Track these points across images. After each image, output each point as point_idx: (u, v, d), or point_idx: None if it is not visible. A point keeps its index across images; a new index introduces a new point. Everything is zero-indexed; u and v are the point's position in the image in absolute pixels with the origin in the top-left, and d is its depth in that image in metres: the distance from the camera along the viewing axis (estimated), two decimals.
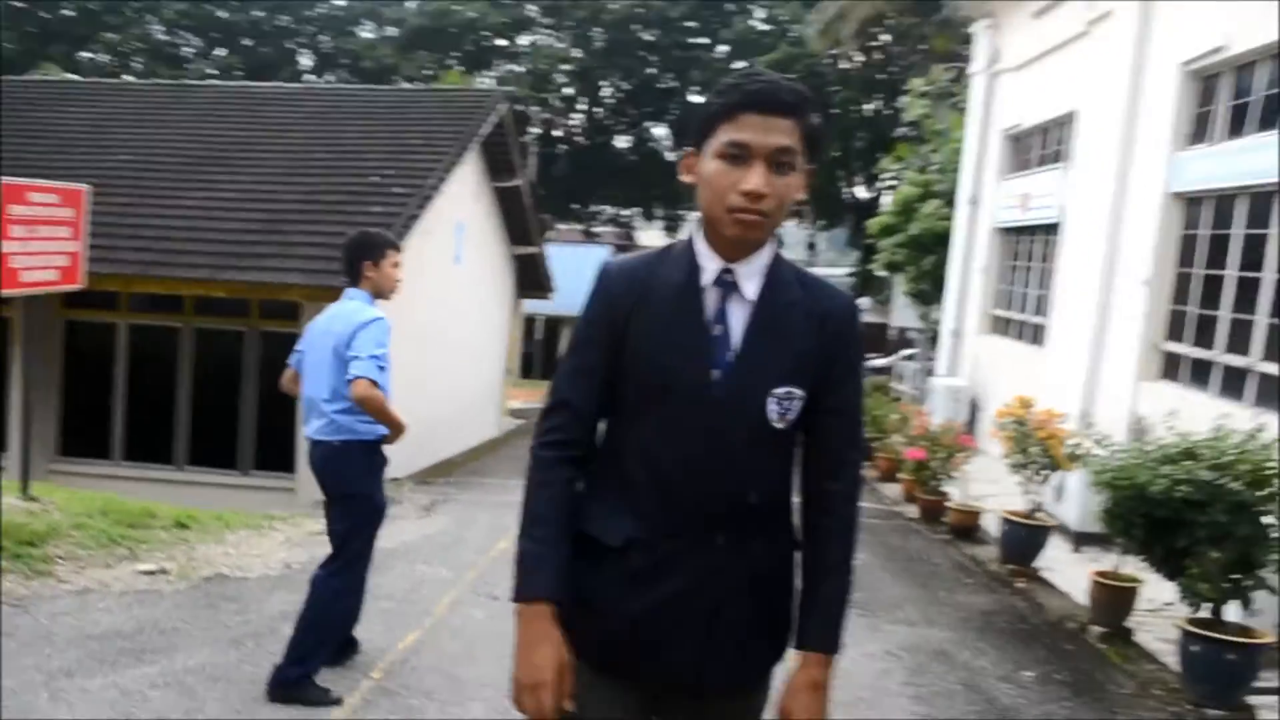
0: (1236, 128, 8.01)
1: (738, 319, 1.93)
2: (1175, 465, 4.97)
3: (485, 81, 35.91)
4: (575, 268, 28.84)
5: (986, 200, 13.85)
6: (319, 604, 4.40)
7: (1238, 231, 7.87)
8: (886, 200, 17.87)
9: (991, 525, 8.21)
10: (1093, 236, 9.92)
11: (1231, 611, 5.00)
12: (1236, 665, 4.82)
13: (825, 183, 33.82)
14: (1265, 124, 7.57)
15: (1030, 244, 12.55)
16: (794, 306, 1.94)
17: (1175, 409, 6.01)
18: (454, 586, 6.32)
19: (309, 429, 4.45)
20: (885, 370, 21.42)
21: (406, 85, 30.37)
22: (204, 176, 12.76)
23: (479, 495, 10.43)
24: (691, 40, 37.76)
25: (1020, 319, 12.69)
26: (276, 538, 7.33)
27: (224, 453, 11.48)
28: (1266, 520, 4.86)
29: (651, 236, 39.92)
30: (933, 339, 16.68)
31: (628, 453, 1.97)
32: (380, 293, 4.51)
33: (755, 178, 1.81)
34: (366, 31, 39.66)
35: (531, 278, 18.20)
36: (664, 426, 1.93)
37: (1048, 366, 10.84)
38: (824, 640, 1.94)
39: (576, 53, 37.83)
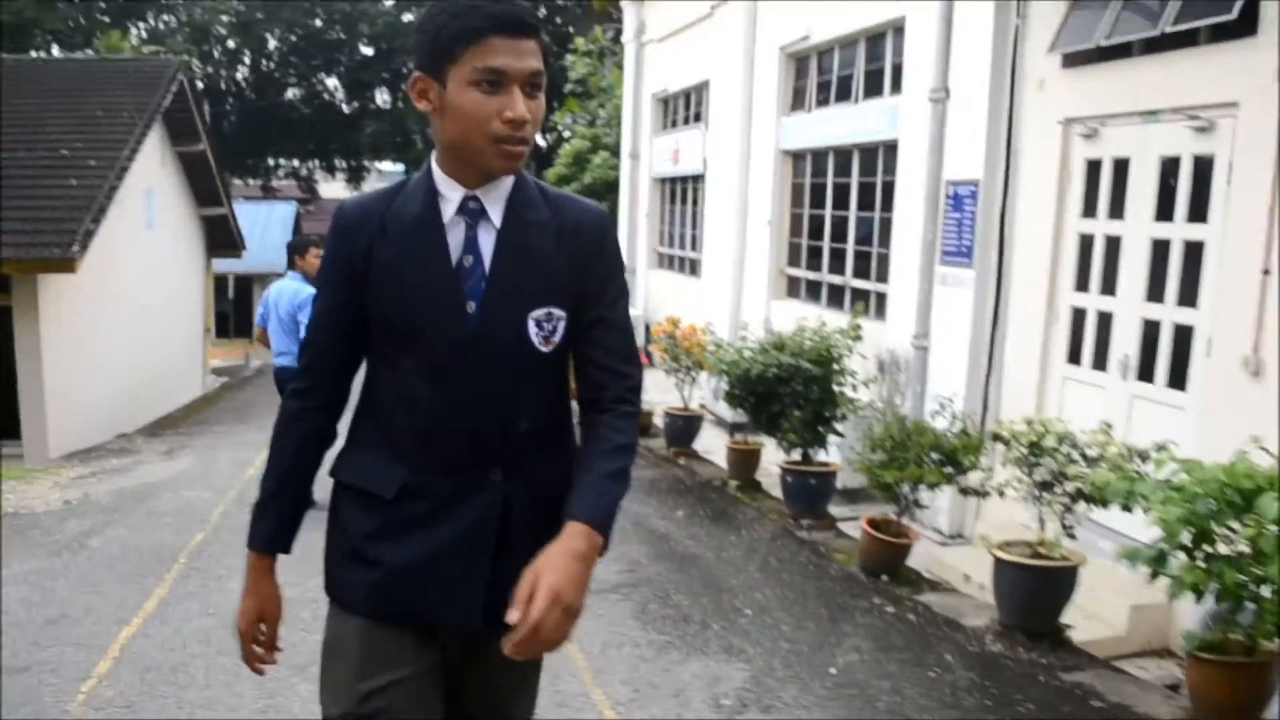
0: (822, 100, 10.10)
1: (487, 246, 1.84)
2: (767, 354, 7.04)
3: (138, 34, 34.25)
4: (261, 224, 28.61)
5: (645, 154, 15.47)
6: None
7: (829, 180, 9.96)
8: (564, 148, 19.44)
9: (661, 422, 10.02)
10: (728, 185, 11.78)
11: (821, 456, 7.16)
12: (817, 488, 7.00)
13: None
14: (841, 98, 9.78)
15: (683, 191, 14.39)
16: (543, 225, 1.86)
17: (769, 316, 8.10)
18: (220, 503, 7.42)
19: (280, 360, 6.82)
20: None
21: (80, 56, 28.39)
22: None
23: (211, 440, 11.25)
24: None
25: (680, 254, 14.55)
26: (45, 484, 8.11)
27: None
28: (835, 388, 7.04)
29: (334, 189, 39.67)
30: None
31: (389, 398, 1.90)
32: (309, 275, 6.73)
33: (519, 104, 1.73)
34: None
35: (221, 238, 18.25)
36: (422, 367, 1.84)
37: (703, 292, 12.62)
38: (592, 510, 1.75)
39: (236, 4, 36.64)
